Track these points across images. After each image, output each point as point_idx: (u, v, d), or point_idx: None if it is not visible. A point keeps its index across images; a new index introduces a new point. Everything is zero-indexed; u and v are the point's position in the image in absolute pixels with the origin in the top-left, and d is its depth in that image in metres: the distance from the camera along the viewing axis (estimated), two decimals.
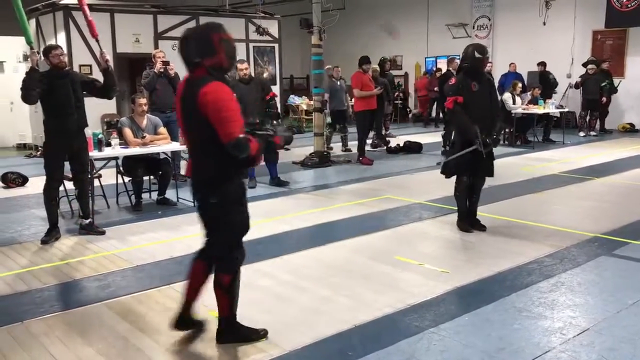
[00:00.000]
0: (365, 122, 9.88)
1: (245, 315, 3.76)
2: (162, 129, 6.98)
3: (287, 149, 10.39)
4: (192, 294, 3.42)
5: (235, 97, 3.08)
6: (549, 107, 12.01)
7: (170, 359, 3.28)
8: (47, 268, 4.83)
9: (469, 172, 5.57)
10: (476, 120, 5.35)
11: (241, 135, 2.97)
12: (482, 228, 5.67)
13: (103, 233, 5.77)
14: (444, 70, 13.85)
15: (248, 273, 4.57)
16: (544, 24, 14.69)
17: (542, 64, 14.28)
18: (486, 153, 5.48)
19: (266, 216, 6.42)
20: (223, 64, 3.10)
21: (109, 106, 11.94)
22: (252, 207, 7.14)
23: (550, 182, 8.08)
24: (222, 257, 3.29)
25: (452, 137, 5.83)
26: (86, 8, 5.70)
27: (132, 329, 3.64)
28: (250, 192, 7.68)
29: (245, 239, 5.42)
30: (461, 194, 5.67)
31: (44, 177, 5.59)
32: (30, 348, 3.38)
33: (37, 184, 6.95)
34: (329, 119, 11.23)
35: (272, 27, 14.45)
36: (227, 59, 3.10)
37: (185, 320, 3.47)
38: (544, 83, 13.23)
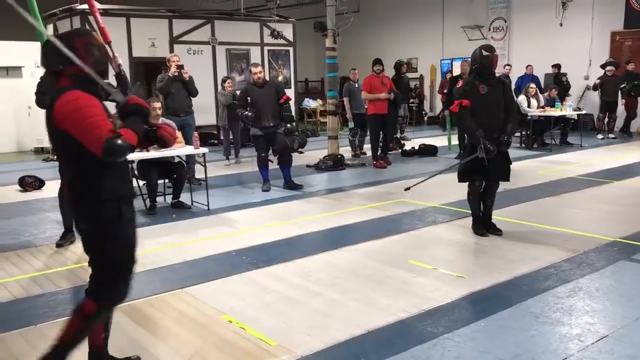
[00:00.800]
0: (375, 125, 9.87)
1: (257, 319, 3.75)
2: (177, 133, 7.00)
3: (301, 152, 10.38)
4: (96, 338, 3.04)
5: (97, 102, 2.69)
6: (566, 110, 11.87)
7: None
8: (61, 271, 4.85)
9: (481, 176, 5.49)
10: (483, 124, 5.26)
11: (109, 136, 2.56)
12: (497, 232, 5.59)
13: None
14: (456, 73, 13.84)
15: (260, 277, 4.58)
16: (561, 25, 14.54)
17: (557, 66, 14.16)
18: (503, 156, 5.39)
19: (279, 219, 6.41)
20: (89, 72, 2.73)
21: None
22: (265, 210, 7.19)
23: (567, 186, 7.97)
24: (98, 287, 2.87)
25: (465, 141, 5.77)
26: (98, 15, 5.73)
27: (144, 332, 3.64)
28: (264, 196, 7.74)
29: (258, 242, 5.51)
30: (473, 197, 5.59)
31: (60, 181, 5.63)
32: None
33: (53, 188, 7.01)
34: (351, 124, 11.13)
35: (287, 30, 14.49)
36: (94, 66, 2.73)
37: None
38: (558, 85, 13.10)
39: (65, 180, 3.10)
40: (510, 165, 5.64)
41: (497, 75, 5.69)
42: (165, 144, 3.15)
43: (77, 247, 5.52)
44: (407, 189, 6.18)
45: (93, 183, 2.76)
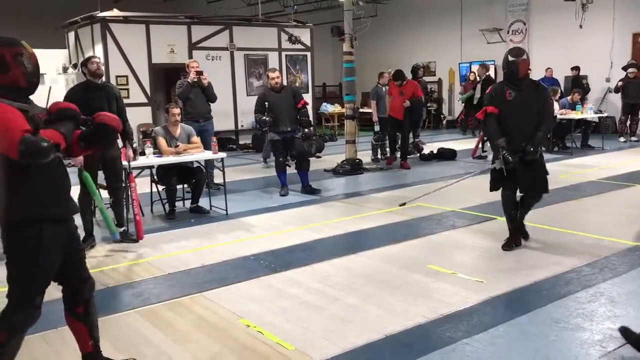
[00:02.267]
0: (391, 127, 10.26)
1: (275, 324, 3.76)
2: (196, 138, 7.07)
3: (319, 157, 10.39)
4: (84, 347, 3.10)
5: (15, 111, 2.53)
6: (587, 112, 11.73)
7: None
8: None
9: (513, 185, 5.19)
10: (510, 131, 5.03)
11: (25, 135, 2.38)
12: (524, 237, 5.43)
13: (137, 241, 5.84)
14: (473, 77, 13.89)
15: (278, 281, 4.59)
16: (581, 27, 14.36)
17: (576, 68, 14.02)
18: (535, 167, 5.12)
19: (297, 224, 6.41)
20: (19, 83, 2.66)
21: (145, 116, 12.19)
22: (283, 215, 7.20)
23: (589, 189, 7.86)
24: (7, 310, 2.73)
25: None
26: None
27: (163, 336, 3.66)
28: (282, 200, 7.76)
29: (276, 247, 5.52)
30: (506, 207, 5.32)
31: (79, 186, 5.69)
32: (63, 354, 3.43)
33: (73, 193, 7.10)
34: (377, 127, 11.10)
35: (305, 35, 14.54)
36: (23, 77, 2.66)
37: None
38: (578, 88, 12.97)
39: None
40: (548, 176, 5.30)
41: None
42: (111, 129, 2.89)
43: (97, 252, 5.59)
44: (402, 204, 6.09)
45: (15, 202, 2.60)
